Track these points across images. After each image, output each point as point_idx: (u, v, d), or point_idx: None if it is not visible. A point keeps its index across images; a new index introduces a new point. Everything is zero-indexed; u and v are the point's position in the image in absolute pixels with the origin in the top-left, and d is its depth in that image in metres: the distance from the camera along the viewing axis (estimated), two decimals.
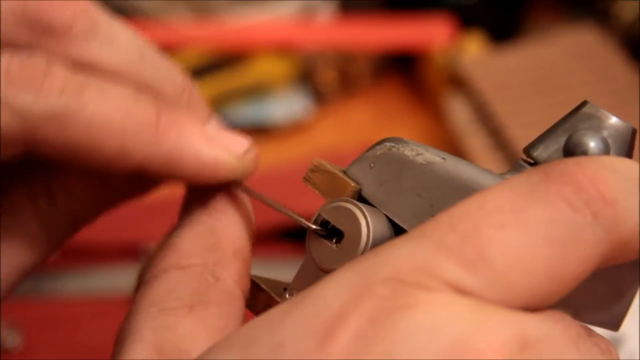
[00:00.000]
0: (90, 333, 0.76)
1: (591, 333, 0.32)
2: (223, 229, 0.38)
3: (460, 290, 0.29)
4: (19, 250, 0.39)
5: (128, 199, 0.42)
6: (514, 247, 0.30)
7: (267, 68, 0.95)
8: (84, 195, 0.41)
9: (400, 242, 0.31)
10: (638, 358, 0.65)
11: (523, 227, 0.30)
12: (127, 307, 0.81)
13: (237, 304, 0.37)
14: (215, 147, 0.38)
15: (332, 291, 0.30)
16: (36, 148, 0.35)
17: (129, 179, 0.41)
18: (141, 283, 0.37)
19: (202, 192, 0.40)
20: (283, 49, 0.96)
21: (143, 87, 0.38)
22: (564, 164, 0.31)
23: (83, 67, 0.37)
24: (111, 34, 0.38)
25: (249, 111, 0.94)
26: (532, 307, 0.30)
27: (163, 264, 0.37)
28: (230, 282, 0.37)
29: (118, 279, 0.79)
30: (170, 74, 0.40)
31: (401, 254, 0.30)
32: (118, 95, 0.36)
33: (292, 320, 0.30)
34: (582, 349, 0.31)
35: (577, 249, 0.30)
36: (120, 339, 0.36)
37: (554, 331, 0.30)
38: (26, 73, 0.35)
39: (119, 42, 0.38)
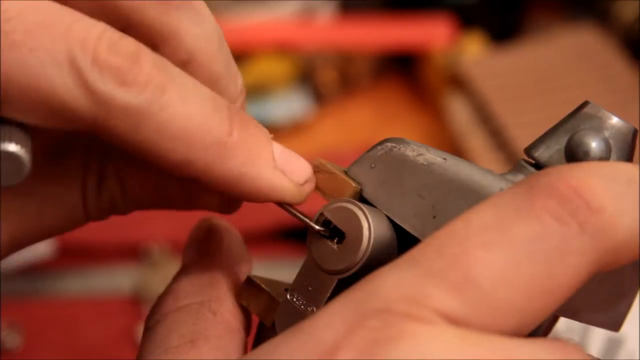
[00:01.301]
0: (90, 333, 0.76)
1: None
2: (217, 267, 0.39)
3: (451, 319, 0.29)
4: (53, 212, 0.39)
5: (172, 207, 0.42)
6: (501, 266, 0.29)
7: (267, 68, 0.95)
8: (134, 187, 0.41)
9: (391, 270, 0.31)
10: (638, 358, 0.65)
11: (509, 244, 0.30)
12: (127, 307, 0.81)
13: (237, 336, 0.37)
14: (279, 173, 0.37)
15: (324, 324, 0.30)
16: (101, 133, 0.34)
17: (183, 189, 0.41)
18: (145, 330, 0.38)
19: (198, 233, 0.41)
20: (283, 49, 0.96)
21: (212, 81, 0.38)
22: (548, 176, 0.31)
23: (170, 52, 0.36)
24: (202, 12, 0.37)
25: (249, 111, 0.94)
26: (527, 326, 0.30)
27: (163, 308, 0.38)
28: (228, 315, 0.38)
29: (118, 279, 0.79)
30: (235, 74, 0.39)
31: (391, 283, 0.30)
32: (198, 99, 0.35)
33: (286, 354, 0.30)
34: None
35: (565, 262, 0.30)
36: None
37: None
38: (114, 58, 0.33)
39: (207, 22, 0.38)
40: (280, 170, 0.37)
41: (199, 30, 0.37)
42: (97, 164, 0.40)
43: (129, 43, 0.34)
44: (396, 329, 0.29)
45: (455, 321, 0.29)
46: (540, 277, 0.30)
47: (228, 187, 0.36)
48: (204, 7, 0.38)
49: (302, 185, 0.38)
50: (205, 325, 0.37)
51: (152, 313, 0.38)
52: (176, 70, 0.35)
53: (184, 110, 0.34)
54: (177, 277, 0.40)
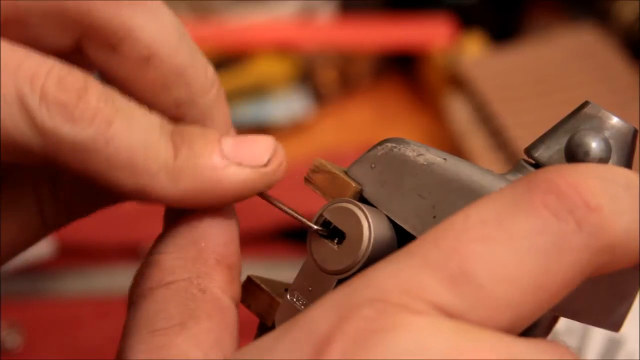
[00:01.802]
0: (90, 333, 0.76)
1: None
2: (203, 239, 0.38)
3: (445, 312, 0.29)
4: (12, 229, 0.39)
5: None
6: (498, 260, 0.29)
7: (267, 68, 0.95)
8: (89, 196, 0.41)
9: (387, 262, 0.31)
10: (638, 358, 0.65)
11: (506, 239, 0.30)
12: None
13: (228, 314, 0.36)
14: (234, 169, 0.37)
15: (319, 314, 0.30)
16: (54, 165, 0.35)
17: None
18: (131, 303, 0.37)
19: None
20: (283, 49, 0.96)
21: (177, 74, 0.38)
22: (548, 173, 0.31)
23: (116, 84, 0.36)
24: (156, 7, 0.38)
25: (249, 111, 0.94)
26: (521, 322, 0.30)
27: (149, 283, 0.37)
28: (218, 292, 0.36)
29: (118, 279, 0.79)
30: (203, 65, 0.39)
31: (386, 274, 0.30)
32: (144, 127, 0.35)
33: (283, 347, 0.30)
34: None
35: (561, 258, 0.30)
36: None
37: None
38: (61, 94, 0.34)
39: (162, 16, 0.38)
40: (236, 164, 0.37)
41: (156, 25, 0.37)
42: (46, 181, 0.40)
43: (76, 78, 0.35)
44: (390, 319, 0.29)
45: (449, 314, 0.29)
46: (537, 272, 0.30)
47: (189, 205, 0.36)
48: (157, 3, 0.38)
49: (265, 166, 0.37)
50: (194, 306, 0.36)
51: (135, 285, 0.37)
52: (123, 102, 0.35)
53: (130, 142, 0.35)
54: (161, 247, 0.38)
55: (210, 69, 0.40)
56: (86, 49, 0.37)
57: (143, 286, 0.37)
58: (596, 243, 0.30)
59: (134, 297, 0.37)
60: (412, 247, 0.31)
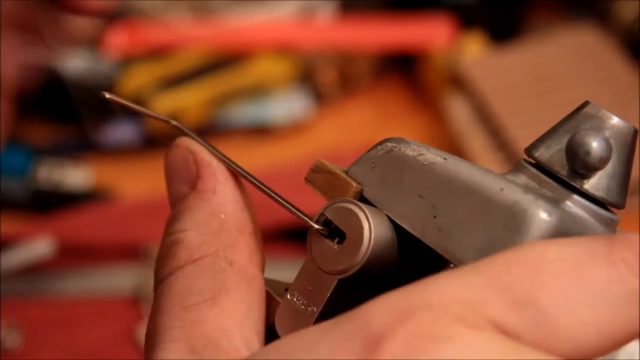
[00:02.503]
0: (90, 333, 0.76)
1: None
2: (221, 209, 0.38)
3: (502, 330, 0.29)
4: None
5: None
6: (568, 297, 0.30)
7: (267, 68, 0.95)
8: None
9: (452, 274, 0.31)
10: (638, 358, 0.65)
11: (580, 281, 0.30)
12: (127, 307, 0.81)
13: (256, 283, 0.37)
14: None
15: (374, 312, 0.30)
16: None
17: None
18: (159, 282, 0.37)
19: (183, 173, 0.39)
20: (283, 49, 0.96)
21: None
22: (629, 233, 0.32)
23: None
24: None
25: (249, 111, 0.94)
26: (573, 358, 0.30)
27: (176, 261, 0.37)
28: (244, 263, 0.37)
29: (118, 279, 0.79)
30: None
31: (450, 284, 0.30)
32: None
33: (331, 339, 0.29)
34: None
35: (629, 309, 0.30)
36: (149, 341, 0.36)
37: None
38: None
39: None
40: None
41: None
42: None
43: None
44: (446, 327, 0.29)
45: (506, 333, 0.29)
46: (602, 317, 0.30)
47: None
48: None
49: None
50: (223, 279, 0.36)
51: (162, 265, 0.37)
52: None
53: None
54: (182, 224, 0.37)
55: None
56: None
57: (172, 265, 0.37)
58: None
59: (162, 275, 0.37)
60: (481, 265, 0.31)
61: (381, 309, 0.30)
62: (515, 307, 0.29)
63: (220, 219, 0.37)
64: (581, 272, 0.30)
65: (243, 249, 0.37)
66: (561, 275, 0.30)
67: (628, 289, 0.30)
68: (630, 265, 0.31)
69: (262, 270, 0.37)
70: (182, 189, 0.39)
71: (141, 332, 0.76)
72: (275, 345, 0.31)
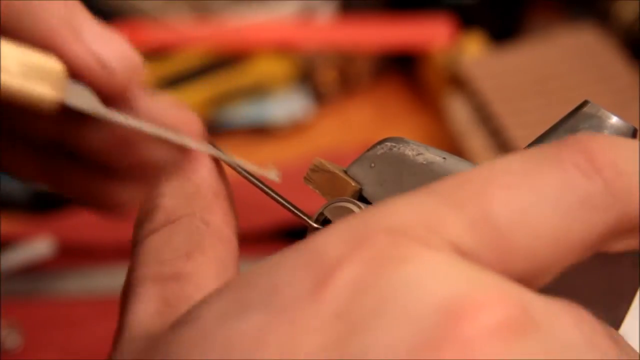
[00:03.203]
0: (90, 333, 0.76)
1: (614, 337, 0.30)
2: (197, 175, 0.38)
3: (461, 252, 0.29)
4: None
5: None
6: (520, 208, 0.29)
7: (267, 68, 0.95)
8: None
9: (406, 196, 0.30)
10: (638, 359, 0.65)
11: (531, 188, 0.29)
12: None
13: (230, 246, 0.37)
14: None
15: (330, 239, 0.29)
16: None
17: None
18: (135, 243, 0.37)
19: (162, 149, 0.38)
20: (283, 49, 0.96)
21: None
22: (579, 135, 0.31)
23: None
24: None
25: (249, 111, 0.94)
26: (535, 276, 0.30)
27: (153, 224, 0.37)
28: (220, 224, 0.37)
29: (118, 279, 0.79)
30: None
31: (406, 206, 0.29)
32: None
33: (289, 266, 0.29)
34: (597, 349, 0.29)
35: (584, 215, 0.29)
36: (124, 296, 0.36)
37: (564, 319, 0.29)
38: None
39: None
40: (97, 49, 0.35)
41: None
42: None
43: None
44: (405, 250, 0.28)
45: (465, 254, 0.29)
46: (557, 225, 0.29)
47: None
48: None
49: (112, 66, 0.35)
50: (199, 238, 0.36)
51: (138, 228, 0.37)
52: None
53: None
54: (159, 191, 0.37)
55: None
56: None
57: (148, 227, 0.37)
58: (621, 207, 0.30)
59: (138, 237, 0.37)
60: (434, 186, 0.30)
61: (335, 236, 0.29)
62: (471, 226, 0.29)
63: (195, 184, 0.37)
64: (531, 180, 0.30)
65: (219, 212, 0.37)
66: (511, 187, 0.29)
67: (582, 194, 0.29)
68: (582, 168, 0.30)
69: (236, 234, 0.37)
70: (162, 151, 0.38)
71: None
72: (238, 275, 0.31)
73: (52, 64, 0.33)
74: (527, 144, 0.37)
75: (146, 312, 0.35)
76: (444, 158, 0.36)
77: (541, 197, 0.29)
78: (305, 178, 0.39)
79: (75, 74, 0.35)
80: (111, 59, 0.35)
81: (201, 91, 0.92)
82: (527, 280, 0.29)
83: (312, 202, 0.39)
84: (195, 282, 0.35)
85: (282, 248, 0.30)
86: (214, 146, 0.39)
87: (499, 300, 0.27)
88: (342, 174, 0.38)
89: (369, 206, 0.30)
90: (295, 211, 0.38)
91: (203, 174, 0.38)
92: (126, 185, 0.38)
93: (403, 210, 0.29)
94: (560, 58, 0.93)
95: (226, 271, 0.36)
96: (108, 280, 0.79)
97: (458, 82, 0.92)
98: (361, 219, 0.30)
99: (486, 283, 0.28)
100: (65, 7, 0.35)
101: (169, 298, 0.34)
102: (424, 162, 0.36)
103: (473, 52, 0.95)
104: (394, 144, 0.37)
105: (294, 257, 0.29)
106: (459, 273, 0.28)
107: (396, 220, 0.29)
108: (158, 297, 0.35)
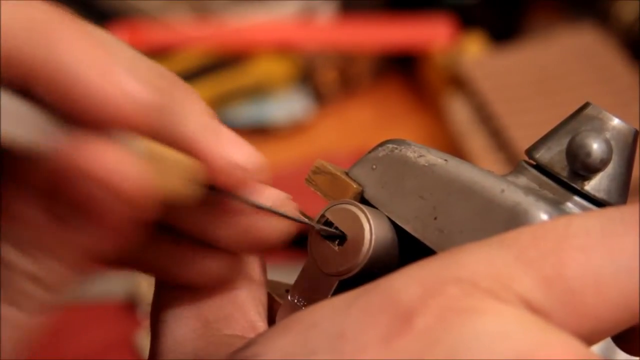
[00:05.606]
0: (85, 339, 0.76)
1: None
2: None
3: (531, 307, 0.29)
4: None
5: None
6: (595, 271, 0.29)
7: (267, 68, 0.95)
8: None
9: (478, 247, 0.30)
10: (638, 358, 0.65)
11: (607, 253, 0.30)
12: (122, 312, 0.80)
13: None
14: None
15: (402, 285, 0.29)
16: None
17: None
18: None
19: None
20: (283, 49, 0.96)
21: None
22: None
23: None
24: None
25: (249, 111, 0.94)
26: (598, 336, 0.30)
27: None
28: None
29: (112, 283, 0.79)
30: None
31: (478, 258, 0.30)
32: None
33: (357, 311, 0.29)
34: None
35: None
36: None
37: None
38: None
39: None
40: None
41: None
42: None
43: None
44: (476, 302, 0.28)
45: (534, 310, 0.29)
46: (629, 292, 0.30)
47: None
48: None
49: (244, 167, 0.34)
50: None
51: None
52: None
53: None
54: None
55: None
56: None
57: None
58: None
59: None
60: (507, 239, 0.30)
61: (408, 282, 0.29)
62: (543, 283, 0.29)
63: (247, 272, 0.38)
64: (608, 244, 0.30)
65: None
66: (587, 249, 0.30)
67: None
68: None
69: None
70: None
71: (140, 338, 0.76)
72: (298, 314, 0.30)
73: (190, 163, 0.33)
74: (527, 145, 0.37)
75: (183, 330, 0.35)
76: (446, 160, 0.36)
77: (615, 263, 0.30)
78: (306, 180, 0.39)
79: (211, 172, 0.34)
80: (246, 162, 0.34)
81: (201, 91, 0.92)
82: (589, 339, 0.30)
83: (312, 203, 0.39)
84: (232, 300, 0.35)
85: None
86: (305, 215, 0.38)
87: (569, 357, 0.28)
88: (343, 176, 0.38)
89: (441, 254, 0.30)
90: (296, 216, 0.38)
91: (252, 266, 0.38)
92: (218, 256, 0.36)
93: (475, 260, 0.30)
94: (561, 58, 0.93)
95: (254, 284, 0.37)
96: (102, 285, 0.79)
97: (458, 82, 0.92)
98: (430, 266, 0.30)
99: (557, 340, 0.28)
100: (208, 114, 0.34)
101: (208, 318, 0.35)
102: (426, 164, 0.36)
103: (473, 52, 0.95)
104: (395, 146, 0.37)
105: (365, 300, 0.29)
106: (530, 328, 0.28)
107: (468, 270, 0.29)
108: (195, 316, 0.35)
